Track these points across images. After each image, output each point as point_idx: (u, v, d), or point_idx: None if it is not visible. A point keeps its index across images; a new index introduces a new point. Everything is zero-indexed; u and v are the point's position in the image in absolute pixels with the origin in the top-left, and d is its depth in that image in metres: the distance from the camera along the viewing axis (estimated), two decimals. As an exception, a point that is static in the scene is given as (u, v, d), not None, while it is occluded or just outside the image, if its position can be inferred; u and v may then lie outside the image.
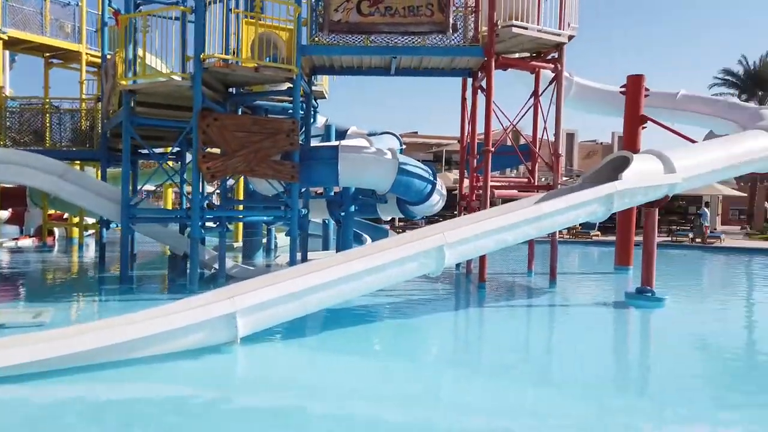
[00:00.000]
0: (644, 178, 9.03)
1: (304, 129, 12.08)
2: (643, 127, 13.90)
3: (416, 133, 47.90)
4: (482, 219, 7.98)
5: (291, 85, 10.32)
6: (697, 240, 23.25)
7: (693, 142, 11.53)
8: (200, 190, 10.01)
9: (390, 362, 6.54)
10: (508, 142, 18.01)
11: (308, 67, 11.55)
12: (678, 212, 33.87)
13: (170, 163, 13.97)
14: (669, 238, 24.41)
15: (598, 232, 25.67)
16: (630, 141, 13.74)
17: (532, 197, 9.52)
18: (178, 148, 11.93)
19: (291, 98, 10.56)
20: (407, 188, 11.33)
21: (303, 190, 11.96)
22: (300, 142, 12.13)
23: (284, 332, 7.21)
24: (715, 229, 34.97)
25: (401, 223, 29.52)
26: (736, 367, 6.81)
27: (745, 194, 34.52)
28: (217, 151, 10.02)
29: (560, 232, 24.96)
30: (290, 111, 11.19)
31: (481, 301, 10.36)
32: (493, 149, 10.83)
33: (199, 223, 9.79)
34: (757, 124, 11.63)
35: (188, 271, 10.17)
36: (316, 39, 10.70)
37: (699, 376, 6.27)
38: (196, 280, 9.71)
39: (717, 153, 10.13)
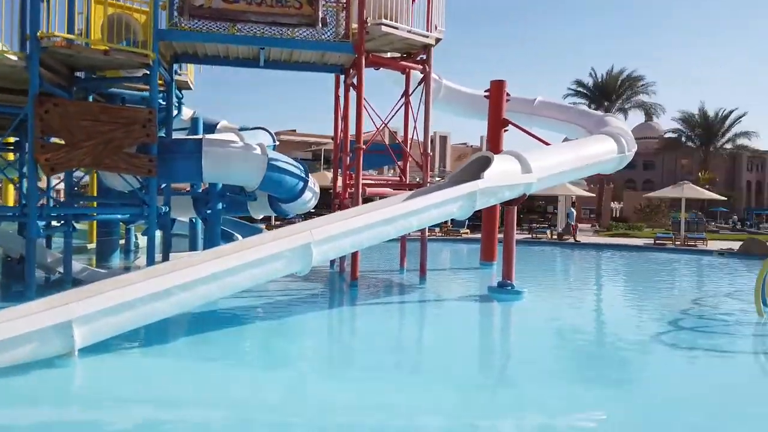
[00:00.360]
0: (504, 178, 9.48)
1: (165, 121, 11.25)
2: (505, 130, 14.72)
3: (295, 131, 47.21)
4: (350, 216, 7.89)
5: (147, 72, 9.51)
6: (565, 237, 24.89)
7: (548, 144, 12.41)
8: (37, 185, 8.86)
9: (255, 367, 6.23)
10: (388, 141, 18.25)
11: (169, 53, 10.75)
12: (538, 211, 36.65)
13: (10, 154, 12.37)
14: (530, 235, 26.24)
15: (468, 230, 26.93)
16: (493, 143, 14.47)
17: (400, 195, 9.62)
18: (17, 138, 10.54)
19: (148, 86, 9.73)
20: (278, 185, 10.95)
21: (164, 186, 11.12)
22: (162, 134, 11.34)
23: (138, 341, 6.58)
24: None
25: (278, 222, 28.81)
26: (586, 350, 7.38)
27: (594, 195, 38.17)
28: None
29: (431, 230, 25.87)
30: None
31: (353, 299, 10.31)
32: (364, 147, 10.82)
33: (37, 222, 8.67)
34: (601, 129, 12.77)
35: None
36: (181, 25, 9.97)
37: (553, 361, 6.72)
38: (33, 286, 8.60)
39: (567, 155, 10.95)
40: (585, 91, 38.69)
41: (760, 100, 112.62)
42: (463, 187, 8.98)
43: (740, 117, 39.21)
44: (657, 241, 23.15)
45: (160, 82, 11.38)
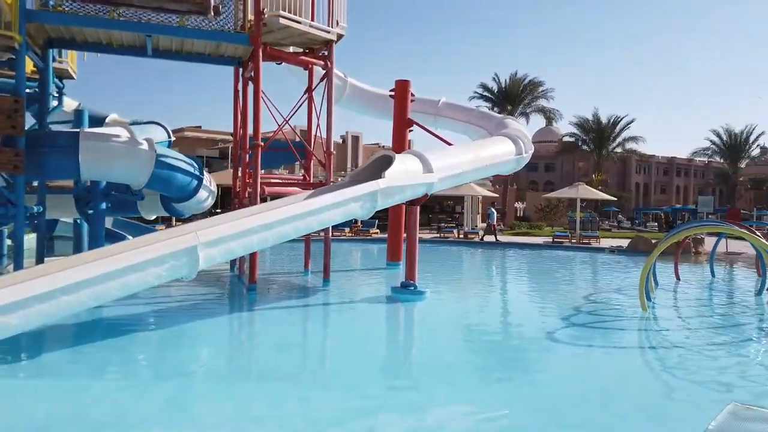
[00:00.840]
0: (406, 177, 9.39)
1: (40, 112, 10.18)
2: (410, 130, 14.77)
3: (200, 127, 45.17)
4: (242, 217, 7.43)
5: (13, 57, 8.51)
6: (487, 237, 25.30)
7: (450, 145, 12.53)
8: None
9: (139, 379, 5.67)
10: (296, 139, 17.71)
11: (42, 37, 9.70)
12: (447, 211, 37.48)
13: None
14: (438, 235, 26.69)
15: (377, 230, 26.97)
16: (398, 142, 14.44)
17: (299, 194, 9.26)
18: None
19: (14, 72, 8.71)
20: (168, 183, 10.21)
21: (36, 183, 10.06)
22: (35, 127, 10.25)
23: (10, 356, 5.81)
24: (476, 226, 39.42)
25: (179, 223, 27.34)
26: (486, 349, 7.41)
27: (497, 195, 39.63)
28: None
29: (341, 230, 25.64)
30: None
31: (252, 304, 9.83)
32: (263, 144, 10.34)
33: None
34: (500, 131, 13.09)
35: None
36: (56, 6, 9.00)
37: (453, 360, 6.68)
38: None
39: (468, 156, 11.07)
40: (490, 95, 40.07)
41: (646, 108, 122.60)
42: (364, 187, 8.77)
43: (629, 123, 42.34)
44: (555, 240, 24.30)
45: (32, 68, 10.32)
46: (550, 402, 5.16)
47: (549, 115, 40.57)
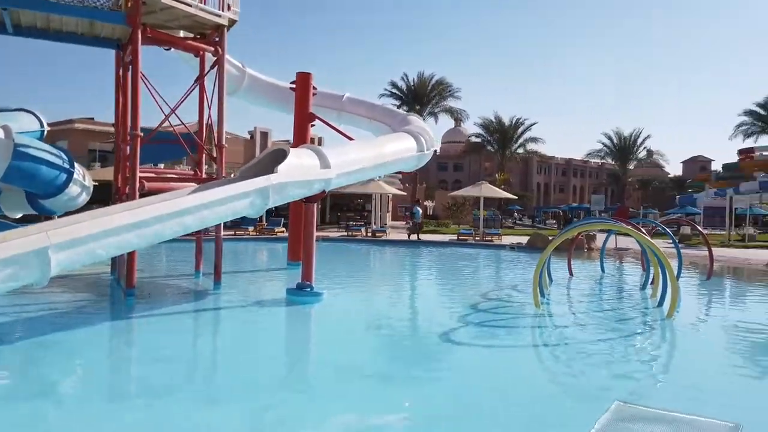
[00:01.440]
0: (300, 173, 8.87)
1: None
2: (312, 125, 14.26)
3: (92, 119, 41.90)
4: (107, 215, 6.60)
5: None
6: (412, 236, 24.94)
7: (352, 140, 12.16)
8: None
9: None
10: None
11: None
12: (357, 209, 37.23)
13: None
14: (346, 233, 26.32)
15: (284, 228, 26.16)
16: (300, 137, 13.88)
17: (180, 191, 8.48)
18: None
19: None
20: (31, 177, 9.03)
21: None
22: None
23: None
24: (386, 224, 39.54)
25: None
26: (383, 349, 7.07)
27: (406, 193, 39.99)
28: None
29: (245, 228, 24.61)
30: None
31: (129, 311, 8.91)
32: (142, 135, 9.42)
33: None
34: (403, 127, 12.89)
35: None
36: None
37: (349, 362, 6.31)
38: None
39: (368, 152, 10.75)
40: (399, 94, 40.27)
41: (548, 110, 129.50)
42: (254, 182, 8.16)
43: (531, 125, 44.23)
44: (459, 237, 24.71)
45: None
46: (445, 408, 4.92)
47: (457, 116, 41.42)
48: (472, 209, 38.69)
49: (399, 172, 42.72)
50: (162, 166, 21.08)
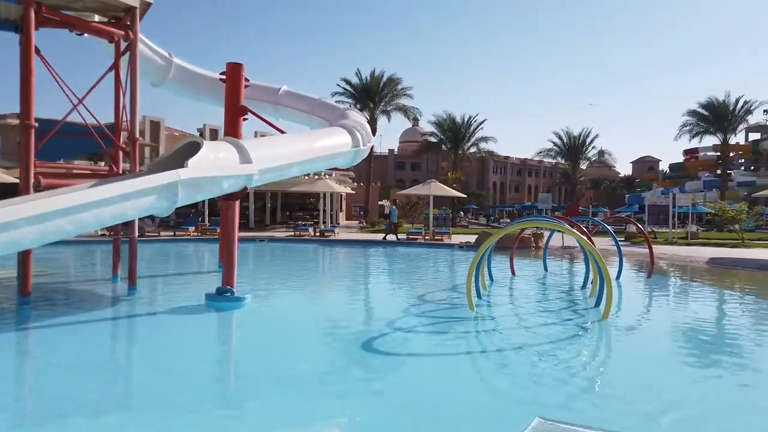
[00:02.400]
0: (215, 167, 8.14)
1: None
2: (244, 118, 13.47)
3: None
4: (-28, 213, 5.73)
5: None
6: (389, 237, 24.11)
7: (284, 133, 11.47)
8: None
9: None
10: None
11: None
12: (309, 208, 36.38)
13: None
14: (293, 233, 25.51)
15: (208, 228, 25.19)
16: (231, 132, 13.05)
17: (77, 186, 7.63)
18: None
19: None
20: None
21: None
22: None
23: None
24: (338, 223, 38.85)
25: None
26: (304, 360, 6.40)
27: (353, 192, 39.36)
28: None
29: (186, 229, 23.52)
30: None
31: (23, 321, 7.99)
32: (36, 125, 8.50)
33: None
34: (339, 122, 12.27)
35: None
36: None
37: (266, 373, 5.72)
38: None
39: (297, 146, 10.06)
40: (352, 90, 39.61)
41: (503, 110, 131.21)
42: (160, 177, 7.38)
43: (482, 123, 44.17)
44: (409, 236, 24.26)
45: None
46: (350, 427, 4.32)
47: (409, 114, 41.02)
48: (425, 208, 38.40)
49: (351, 170, 42.02)
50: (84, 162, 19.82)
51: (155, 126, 32.14)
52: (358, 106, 39.05)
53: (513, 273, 13.32)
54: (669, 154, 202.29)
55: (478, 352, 6.95)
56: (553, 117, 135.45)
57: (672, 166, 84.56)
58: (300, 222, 28.84)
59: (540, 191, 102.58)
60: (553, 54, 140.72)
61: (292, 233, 25.62)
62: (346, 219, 46.70)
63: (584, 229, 12.30)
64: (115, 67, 10.42)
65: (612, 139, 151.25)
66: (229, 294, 9.14)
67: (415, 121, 46.49)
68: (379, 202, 51.06)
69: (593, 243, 13.10)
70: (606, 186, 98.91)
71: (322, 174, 33.84)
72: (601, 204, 79.79)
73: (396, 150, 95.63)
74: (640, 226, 16.83)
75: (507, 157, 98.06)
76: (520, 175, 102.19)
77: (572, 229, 9.09)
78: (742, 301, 11.26)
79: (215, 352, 7.17)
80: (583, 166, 59.31)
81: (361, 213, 42.34)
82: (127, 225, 10.13)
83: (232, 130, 13.13)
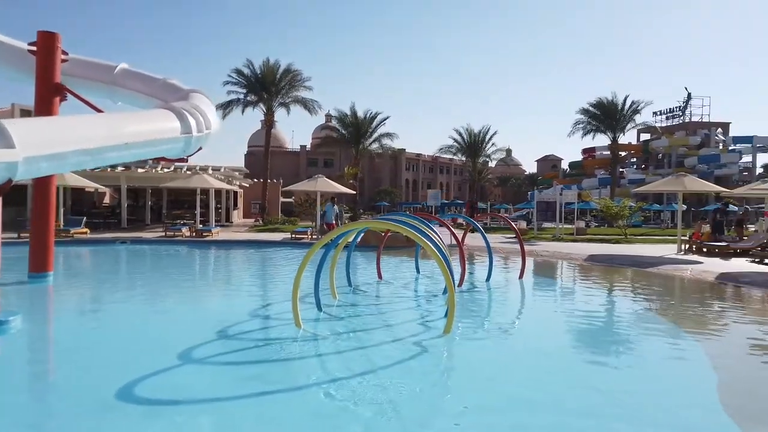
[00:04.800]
0: (-51, 153, 6.19)
1: None
2: (63, 99, 11.35)
3: None
4: None
5: None
6: (315, 236, 21.74)
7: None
8: None
9: None
10: None
11: None
12: (192, 207, 33.68)
13: None
14: (164, 234, 23.13)
15: (86, 229, 22.37)
16: (43, 114, 10.94)
17: None
18: None
19: None
20: None
21: None
22: None
23: None
24: (232, 222, 36.48)
25: None
26: (63, 397, 4.62)
27: (241, 189, 37.12)
28: None
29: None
30: None
31: None
32: None
33: None
34: (170, 104, 10.47)
35: None
36: None
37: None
38: None
39: (95, 130, 8.18)
40: (244, 81, 37.29)
41: (414, 107, 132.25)
42: None
43: (385, 119, 43.30)
44: (294, 236, 22.66)
45: None
46: None
47: (310, 107, 39.24)
48: (324, 205, 36.85)
49: (254, 164, 39.46)
50: None
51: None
52: (252, 97, 36.90)
53: (380, 276, 12.10)
54: (571, 153, 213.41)
55: (271, 392, 5.37)
56: (461, 114, 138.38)
57: (572, 165, 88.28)
58: (176, 221, 26.37)
59: (452, 188, 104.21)
60: (460, 51, 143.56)
61: (162, 234, 23.21)
62: (243, 217, 44.24)
63: (449, 225, 11.31)
64: None
65: (519, 138, 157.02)
66: (-14, 315, 7.16)
67: (329, 117, 44.84)
68: (284, 200, 48.90)
69: (464, 241, 12.10)
70: (512, 184, 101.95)
71: (202, 168, 31.48)
72: (503, 201, 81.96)
73: (308, 146, 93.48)
74: (511, 222, 16.13)
75: (419, 155, 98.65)
76: (432, 172, 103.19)
77: (406, 228, 7.87)
78: (602, 302, 10.67)
79: None
80: (492, 164, 60.15)
81: (257, 212, 40.08)
82: None
83: (44, 112, 11.00)
